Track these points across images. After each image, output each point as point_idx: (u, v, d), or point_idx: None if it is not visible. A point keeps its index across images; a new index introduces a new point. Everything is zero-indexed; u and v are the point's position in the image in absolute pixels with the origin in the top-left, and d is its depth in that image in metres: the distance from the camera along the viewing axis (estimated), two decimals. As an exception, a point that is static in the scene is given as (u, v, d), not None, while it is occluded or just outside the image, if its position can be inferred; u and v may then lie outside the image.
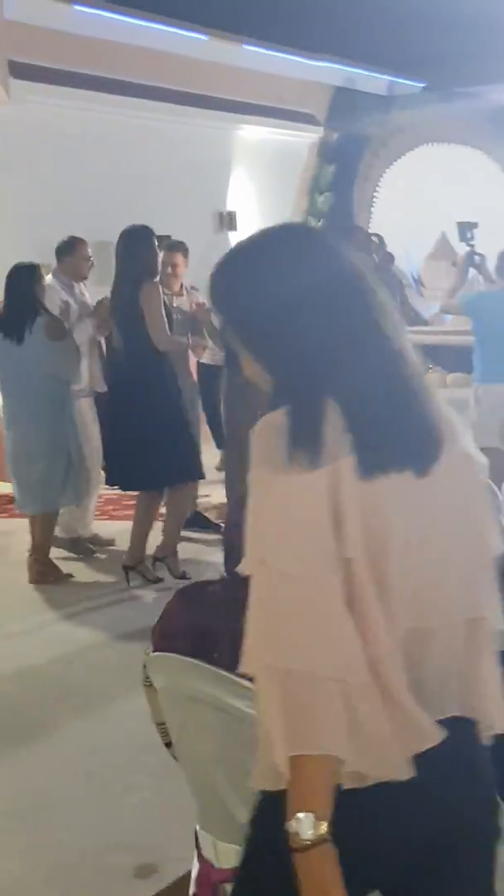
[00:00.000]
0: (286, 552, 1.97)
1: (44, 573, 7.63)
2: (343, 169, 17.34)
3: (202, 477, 7.77)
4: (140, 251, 7.28)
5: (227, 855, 3.05)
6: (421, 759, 2.01)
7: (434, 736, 2.02)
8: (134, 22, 14.41)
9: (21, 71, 13.21)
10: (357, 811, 2.01)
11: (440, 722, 2.04)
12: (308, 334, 2.07)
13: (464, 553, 2.12)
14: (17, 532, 8.30)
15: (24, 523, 7.91)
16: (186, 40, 15.34)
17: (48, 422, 7.52)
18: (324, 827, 1.93)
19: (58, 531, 7.98)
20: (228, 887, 3.07)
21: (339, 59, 17.33)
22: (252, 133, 16.82)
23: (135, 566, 7.42)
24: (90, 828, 4.32)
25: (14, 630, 6.81)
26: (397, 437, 2.06)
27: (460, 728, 2.10)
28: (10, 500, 8.53)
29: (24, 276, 7.53)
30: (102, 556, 8.13)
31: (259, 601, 2.00)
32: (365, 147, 17.34)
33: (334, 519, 1.97)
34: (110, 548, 8.22)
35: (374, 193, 17.54)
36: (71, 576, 7.68)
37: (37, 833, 4.28)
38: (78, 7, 13.61)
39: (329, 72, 17.40)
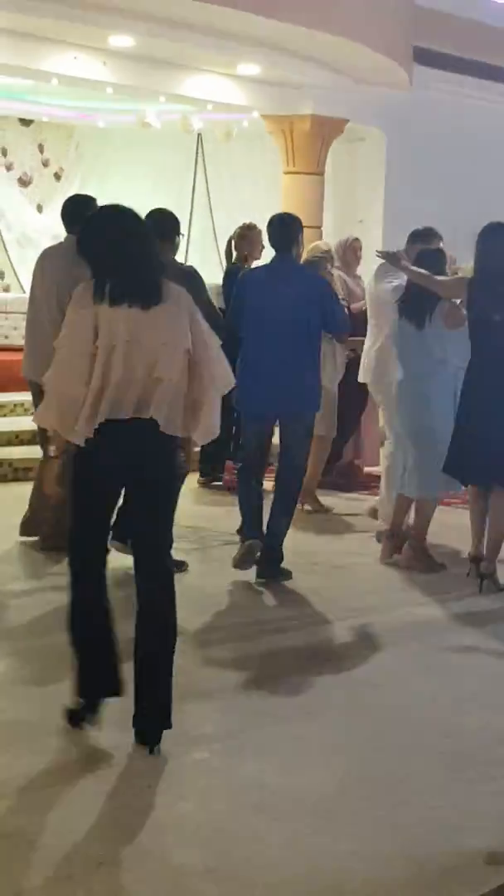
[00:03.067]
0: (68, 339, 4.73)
1: (416, 559, 7.75)
2: None
3: None
4: None
5: None
6: (114, 432, 4.61)
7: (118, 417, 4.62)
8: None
9: (427, 58, 13.31)
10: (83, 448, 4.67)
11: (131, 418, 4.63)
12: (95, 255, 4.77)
13: (157, 346, 4.63)
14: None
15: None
16: None
17: (440, 408, 7.61)
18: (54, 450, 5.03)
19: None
20: None
21: None
22: None
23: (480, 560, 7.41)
24: (442, 808, 4.40)
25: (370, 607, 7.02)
26: (131, 291, 4.63)
27: (143, 422, 4.62)
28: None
29: (432, 261, 7.66)
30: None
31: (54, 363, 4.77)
32: None
33: (95, 329, 4.62)
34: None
35: None
36: (444, 566, 7.77)
37: (387, 807, 4.38)
38: (491, -4, 13.63)
39: None
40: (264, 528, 7.40)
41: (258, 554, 7.30)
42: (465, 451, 7.21)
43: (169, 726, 4.73)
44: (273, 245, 7.59)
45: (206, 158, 14.35)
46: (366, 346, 8.58)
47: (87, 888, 3.68)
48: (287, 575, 7.36)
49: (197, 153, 14.44)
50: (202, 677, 5.66)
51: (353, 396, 9.45)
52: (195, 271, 7.26)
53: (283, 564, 7.39)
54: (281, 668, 5.89)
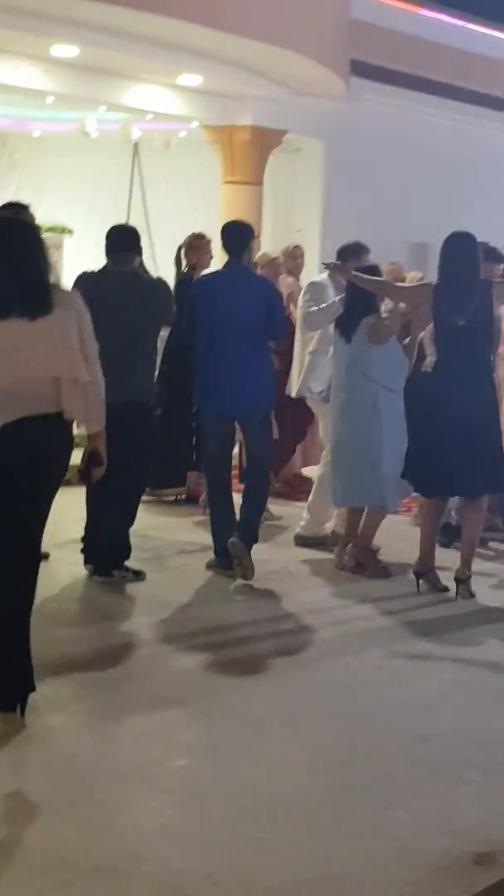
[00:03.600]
0: None
1: (362, 563, 7.82)
2: None
3: None
4: (477, 260, 7.34)
5: None
6: (21, 427, 4.95)
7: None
8: (478, 30, 14.50)
9: (362, 70, 13.46)
10: None
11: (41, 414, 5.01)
12: None
13: (49, 352, 5.01)
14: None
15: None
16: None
17: (362, 421, 7.71)
18: None
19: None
20: None
21: None
22: None
23: (426, 573, 7.51)
24: (426, 811, 4.44)
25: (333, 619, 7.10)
26: (17, 305, 4.95)
27: (51, 418, 5.03)
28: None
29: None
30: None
31: None
32: None
33: None
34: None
35: None
36: (390, 572, 7.85)
37: (373, 811, 4.40)
38: (424, 12, 13.80)
39: None
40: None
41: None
42: (432, 460, 7.28)
43: (32, 689, 5.05)
44: (226, 249, 7.79)
45: (144, 168, 14.37)
46: (295, 361, 8.69)
47: (89, 894, 3.68)
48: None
49: (134, 162, 14.44)
50: (172, 684, 5.67)
51: (298, 406, 9.47)
52: (163, 281, 7.57)
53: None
54: (249, 674, 5.91)
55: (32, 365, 4.99)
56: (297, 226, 13.61)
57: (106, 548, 7.39)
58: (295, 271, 10.53)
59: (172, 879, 3.79)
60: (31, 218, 7.62)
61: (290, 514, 9.28)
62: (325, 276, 8.46)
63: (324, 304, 8.12)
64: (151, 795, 4.44)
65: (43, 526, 5.17)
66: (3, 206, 7.71)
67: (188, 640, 6.40)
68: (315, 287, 8.33)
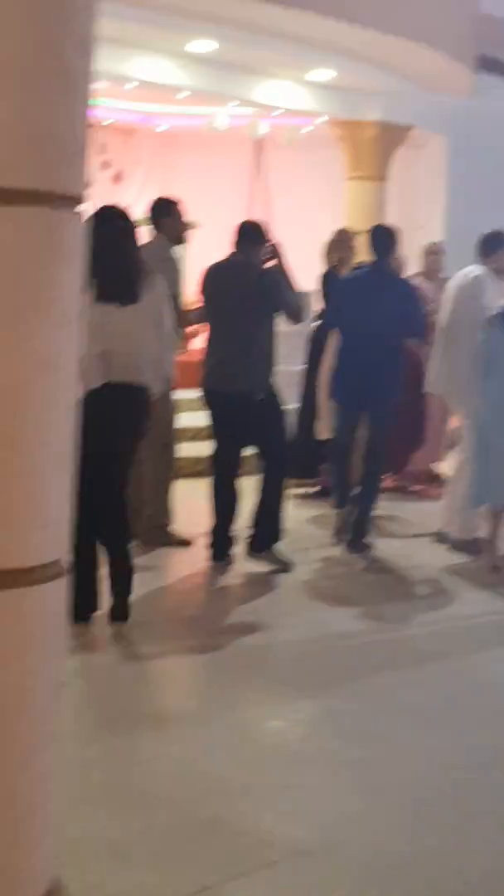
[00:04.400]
0: None
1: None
2: None
3: None
4: None
5: None
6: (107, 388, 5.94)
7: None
8: None
9: (490, 64, 13.39)
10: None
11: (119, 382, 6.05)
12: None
13: (131, 330, 6.06)
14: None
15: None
16: None
17: None
18: None
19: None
20: None
21: None
22: None
23: None
24: None
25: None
26: (114, 291, 5.97)
27: (133, 387, 6.12)
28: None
29: None
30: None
31: None
32: None
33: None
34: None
35: None
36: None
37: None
38: None
39: None
40: None
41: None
42: None
43: (128, 592, 6.25)
44: (374, 251, 8.12)
45: (268, 163, 14.45)
46: (440, 357, 8.49)
47: (292, 876, 3.77)
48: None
49: (257, 157, 14.53)
50: (327, 674, 5.77)
51: (419, 404, 9.55)
52: (269, 272, 7.56)
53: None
54: (404, 668, 5.95)
55: (117, 340, 5.97)
56: (420, 222, 13.59)
57: (259, 526, 7.54)
58: (433, 268, 10.38)
59: (371, 865, 3.86)
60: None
61: (425, 512, 9.29)
62: (478, 270, 8.26)
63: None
64: (334, 783, 4.52)
65: (124, 476, 6.24)
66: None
67: (340, 632, 6.46)
68: (480, 281, 8.14)
